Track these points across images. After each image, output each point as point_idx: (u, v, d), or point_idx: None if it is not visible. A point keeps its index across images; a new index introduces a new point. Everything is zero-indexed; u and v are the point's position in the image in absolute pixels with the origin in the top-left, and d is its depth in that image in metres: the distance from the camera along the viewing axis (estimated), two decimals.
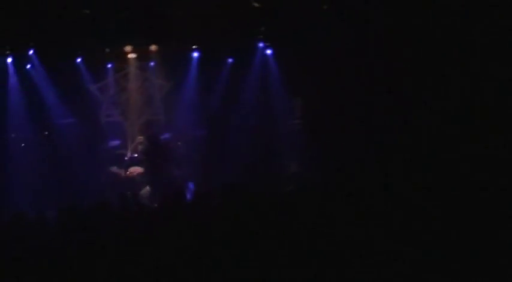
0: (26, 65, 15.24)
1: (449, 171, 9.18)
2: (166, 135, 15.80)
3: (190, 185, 14.39)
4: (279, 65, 15.62)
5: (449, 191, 7.82)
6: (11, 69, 15.00)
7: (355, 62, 12.87)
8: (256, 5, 13.84)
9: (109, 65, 16.19)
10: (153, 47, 15.84)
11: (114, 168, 15.43)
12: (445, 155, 10.08)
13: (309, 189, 9.82)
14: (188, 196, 10.27)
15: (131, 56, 16.12)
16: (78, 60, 15.69)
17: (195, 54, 16.00)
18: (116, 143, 15.96)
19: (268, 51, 15.82)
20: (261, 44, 15.77)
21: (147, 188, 14.67)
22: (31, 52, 15.10)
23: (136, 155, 15.53)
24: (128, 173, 15.24)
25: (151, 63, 16.23)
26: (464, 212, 7.05)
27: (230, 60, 16.10)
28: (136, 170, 15.24)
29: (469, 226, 6.72)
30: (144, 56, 16.09)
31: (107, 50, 15.78)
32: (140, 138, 15.61)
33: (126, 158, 15.53)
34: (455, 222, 6.91)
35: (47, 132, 15.57)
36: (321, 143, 14.14)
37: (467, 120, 10.52)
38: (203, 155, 15.65)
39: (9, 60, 14.93)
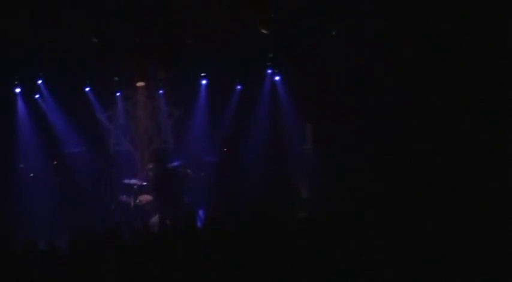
0: (35, 94, 15.24)
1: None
2: (176, 163, 15.74)
3: (201, 213, 14.29)
4: (288, 91, 15.61)
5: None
6: (19, 99, 15.00)
7: (366, 87, 12.81)
8: (264, 31, 13.81)
9: (118, 94, 16.22)
10: (161, 75, 15.86)
11: (124, 197, 15.35)
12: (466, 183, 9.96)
13: (321, 217, 9.76)
14: (198, 223, 10.16)
15: (140, 84, 16.13)
16: (87, 89, 15.72)
17: (204, 82, 16.01)
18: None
19: (277, 78, 15.82)
20: (269, 71, 15.76)
21: (157, 216, 14.59)
22: (40, 82, 15.11)
23: (145, 183, 15.45)
24: (137, 201, 15.16)
25: (160, 91, 16.24)
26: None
27: (239, 87, 16.11)
28: (145, 198, 15.15)
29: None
30: (152, 84, 16.10)
31: (116, 78, 15.79)
32: (150, 166, 15.55)
33: (135, 187, 15.45)
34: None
35: (56, 162, 15.52)
36: (332, 168, 14.05)
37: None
38: (214, 182, 15.59)
39: (18, 90, 14.92)
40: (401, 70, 11.96)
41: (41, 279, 7.18)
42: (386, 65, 12.30)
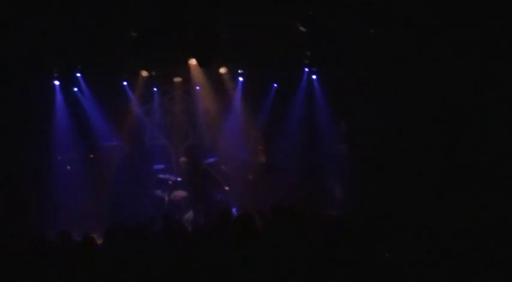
0: (73, 87, 15.37)
1: None
2: (211, 159, 15.77)
3: (234, 210, 14.29)
4: (325, 90, 15.55)
5: None
6: (58, 92, 15.12)
7: (404, 87, 12.70)
8: (302, 29, 13.76)
9: (155, 89, 16.30)
10: (198, 71, 15.90)
11: (158, 192, 15.41)
12: None
13: (355, 216, 9.71)
14: (232, 221, 10.15)
15: (177, 79, 16.23)
16: (125, 83, 15.81)
17: (241, 79, 16.02)
18: (160, 166, 15.96)
19: (314, 76, 15.77)
20: (306, 69, 15.72)
21: (191, 212, 14.62)
22: (78, 75, 15.23)
23: (180, 179, 15.49)
24: (171, 197, 15.20)
25: (197, 87, 16.28)
26: None
27: (275, 84, 16.09)
28: (180, 193, 15.18)
29: None
30: (189, 80, 16.15)
31: (153, 73, 15.86)
32: (183, 159, 15.57)
33: (170, 182, 15.50)
34: None
35: (92, 155, 15.64)
36: (367, 168, 13.98)
37: None
38: (249, 179, 15.59)
39: (57, 83, 15.05)
40: (440, 69, 11.86)
41: (75, 270, 7.24)
42: (425, 64, 12.20)
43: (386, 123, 13.57)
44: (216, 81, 16.02)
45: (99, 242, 8.85)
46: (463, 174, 10.83)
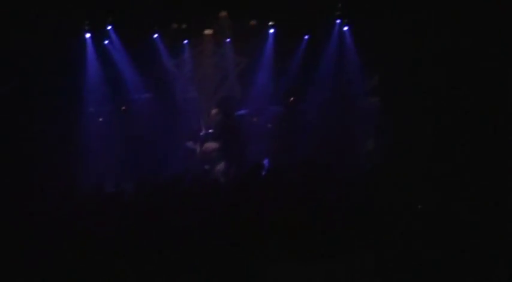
0: (104, 40, 15.39)
1: None
2: (242, 111, 15.78)
3: (265, 162, 14.33)
4: (357, 42, 15.40)
5: None
6: (89, 45, 15.15)
7: (438, 39, 12.48)
8: None
9: (185, 41, 16.25)
10: (228, 24, 15.83)
11: (190, 144, 15.49)
12: None
13: (387, 170, 9.69)
14: (263, 173, 10.19)
15: (207, 32, 16.17)
16: (155, 36, 15.79)
17: (271, 31, 15.91)
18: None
19: (345, 28, 15.61)
20: (338, 21, 15.56)
21: (222, 163, 14.69)
22: (109, 28, 15.24)
23: (211, 131, 15.55)
24: (203, 148, 15.28)
25: (228, 40, 16.22)
26: None
27: (306, 36, 15.96)
28: (211, 145, 15.24)
29: None
30: (220, 33, 16.08)
31: (184, 26, 15.81)
32: (215, 111, 15.60)
33: (201, 134, 15.57)
34: None
35: (124, 107, 15.71)
36: (398, 121, 13.88)
37: None
38: (279, 131, 15.59)
39: (88, 35, 15.07)
40: (482, 24, 11.63)
41: (107, 222, 7.33)
42: (461, 18, 11.97)
43: (420, 75, 13.41)
44: (246, 33, 15.93)
45: (131, 194, 8.94)
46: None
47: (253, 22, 15.86)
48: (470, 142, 11.14)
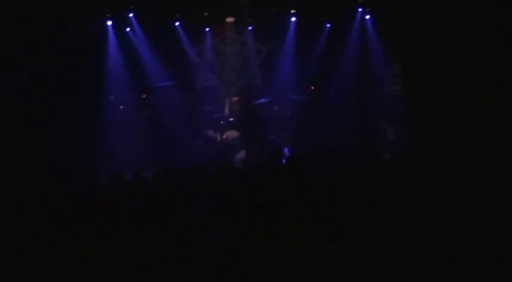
0: (126, 28, 15.40)
1: None
2: (263, 100, 15.76)
3: (286, 150, 14.32)
4: (378, 30, 15.32)
5: None
6: (110, 32, 15.17)
7: (461, 28, 12.35)
8: None
9: (207, 29, 16.23)
10: (250, 11, 15.80)
11: (210, 132, 15.51)
12: None
13: (407, 159, 9.63)
14: (283, 161, 10.18)
15: (229, 20, 16.16)
16: (177, 23, 15.78)
17: (293, 19, 15.84)
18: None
19: (367, 16, 15.53)
20: (360, 9, 15.49)
21: (243, 152, 14.70)
22: (131, 15, 15.25)
23: (231, 119, 15.55)
24: (223, 137, 15.29)
25: (249, 28, 16.19)
26: None
27: (328, 25, 15.89)
28: (232, 134, 15.25)
29: None
30: (241, 21, 16.06)
31: (205, 13, 15.80)
32: (236, 99, 15.61)
33: (222, 122, 15.58)
34: None
35: (144, 95, 15.73)
36: (419, 110, 13.81)
37: None
38: (300, 120, 15.56)
39: (109, 23, 15.09)
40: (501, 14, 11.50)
41: (126, 210, 7.35)
42: (486, 6, 11.83)
43: (442, 64, 13.31)
44: (268, 21, 15.88)
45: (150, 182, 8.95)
46: None
47: (274, 10, 15.79)
48: (496, 133, 11.06)
